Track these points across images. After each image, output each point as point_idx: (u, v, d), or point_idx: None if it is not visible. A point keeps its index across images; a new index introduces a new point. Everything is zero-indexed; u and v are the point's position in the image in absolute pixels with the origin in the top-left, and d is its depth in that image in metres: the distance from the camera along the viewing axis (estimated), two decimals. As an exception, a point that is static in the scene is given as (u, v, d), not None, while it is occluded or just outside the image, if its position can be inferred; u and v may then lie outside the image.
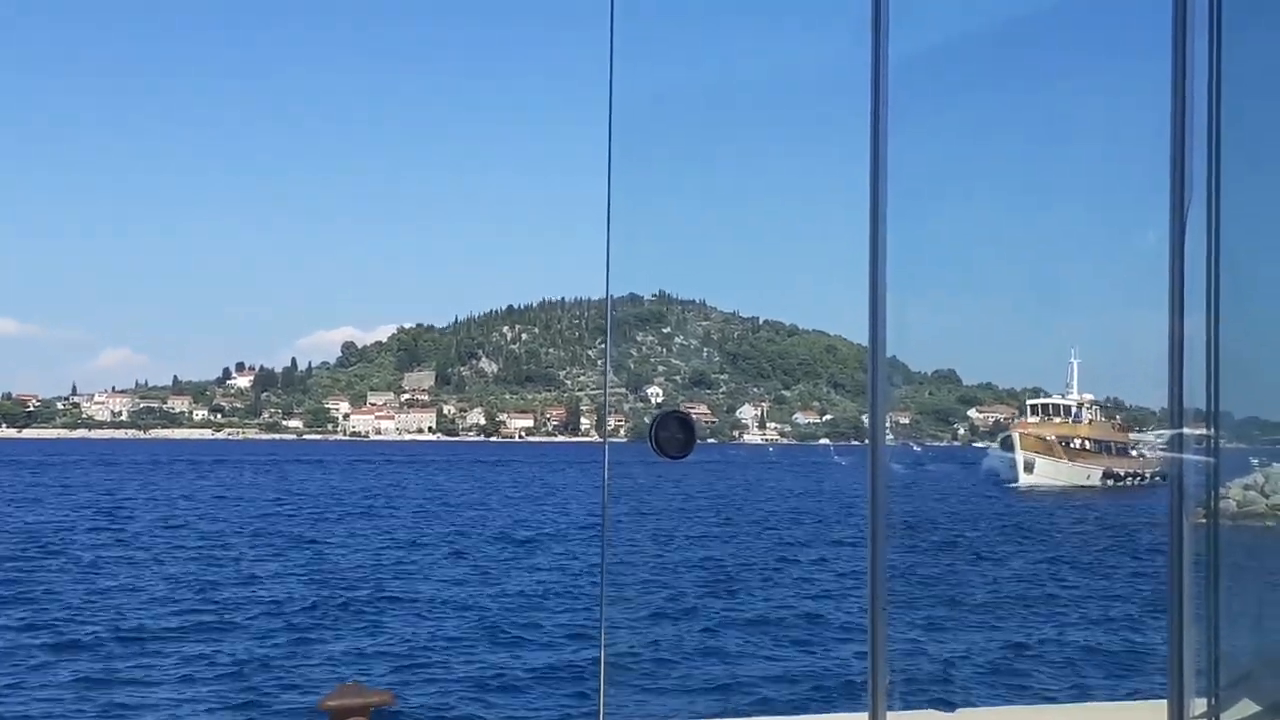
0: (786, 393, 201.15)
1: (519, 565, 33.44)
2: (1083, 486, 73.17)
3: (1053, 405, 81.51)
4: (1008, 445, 79.17)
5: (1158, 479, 73.49)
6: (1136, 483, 75.42)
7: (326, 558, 35.27)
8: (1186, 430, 3.57)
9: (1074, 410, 79.96)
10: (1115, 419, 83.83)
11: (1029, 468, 74.76)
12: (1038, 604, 26.12)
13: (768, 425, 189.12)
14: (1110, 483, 75.44)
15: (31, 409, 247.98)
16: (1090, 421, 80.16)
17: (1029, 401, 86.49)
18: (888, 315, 3.92)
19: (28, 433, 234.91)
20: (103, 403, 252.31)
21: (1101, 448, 78.43)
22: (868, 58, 3.90)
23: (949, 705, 8.99)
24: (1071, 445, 77.01)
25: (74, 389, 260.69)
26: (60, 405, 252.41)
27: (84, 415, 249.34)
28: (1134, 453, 78.70)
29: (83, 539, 40.57)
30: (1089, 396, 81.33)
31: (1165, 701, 3.72)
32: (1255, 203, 3.62)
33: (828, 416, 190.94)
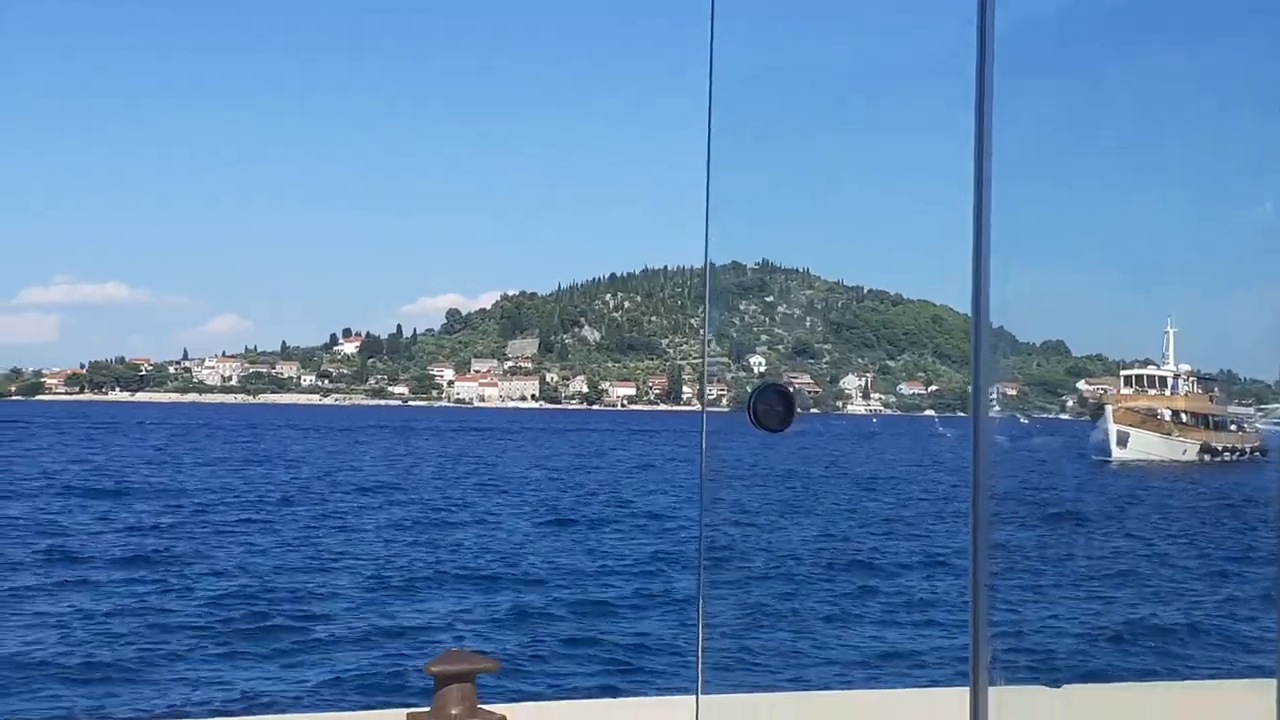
0: (891, 363, 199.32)
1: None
2: (1179, 461, 70.29)
3: (1147, 377, 76.65)
4: (1102, 418, 76.01)
5: (1258, 454, 71.12)
6: (1235, 458, 72.44)
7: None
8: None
9: (1170, 382, 75.52)
10: (1212, 391, 79.91)
11: (1122, 441, 71.35)
12: (1142, 581, 25.73)
13: (871, 396, 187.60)
14: (1208, 458, 72.09)
15: (144, 373, 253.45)
16: (1187, 394, 75.66)
17: (1123, 373, 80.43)
18: (992, 285, 3.86)
19: (140, 396, 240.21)
20: (213, 367, 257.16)
21: (1198, 421, 74.60)
22: (973, 31, 3.85)
23: (1054, 682, 8.89)
24: (1167, 418, 73.52)
25: (185, 354, 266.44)
26: (171, 370, 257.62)
27: (194, 379, 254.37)
28: (1233, 427, 75.79)
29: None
30: (1185, 368, 76.65)
31: (1275, 680, 3.65)
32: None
33: (933, 387, 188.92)
